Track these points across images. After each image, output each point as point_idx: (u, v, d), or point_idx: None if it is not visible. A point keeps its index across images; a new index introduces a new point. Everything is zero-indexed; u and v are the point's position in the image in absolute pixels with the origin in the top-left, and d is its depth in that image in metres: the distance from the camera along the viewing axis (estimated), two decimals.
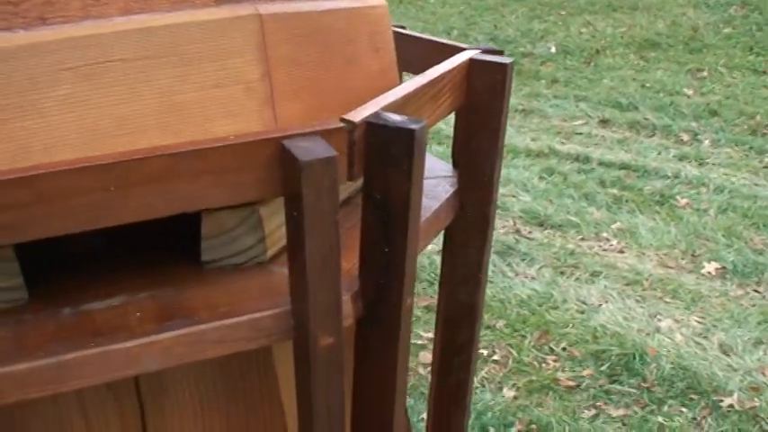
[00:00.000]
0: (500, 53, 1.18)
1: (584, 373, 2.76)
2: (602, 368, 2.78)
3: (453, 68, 1.09)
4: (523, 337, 2.95)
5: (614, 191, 4.22)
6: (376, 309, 0.95)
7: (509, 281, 3.32)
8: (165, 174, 0.81)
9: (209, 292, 0.93)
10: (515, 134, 5.21)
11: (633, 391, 2.66)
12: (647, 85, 6.08)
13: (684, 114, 5.40)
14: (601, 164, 4.59)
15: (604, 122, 5.39)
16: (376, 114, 0.89)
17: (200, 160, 0.82)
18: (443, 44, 1.35)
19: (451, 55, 1.16)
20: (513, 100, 5.88)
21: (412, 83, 1.02)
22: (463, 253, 1.23)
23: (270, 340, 0.90)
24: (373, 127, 0.88)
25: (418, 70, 1.26)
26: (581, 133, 5.19)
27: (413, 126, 0.86)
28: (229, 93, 0.95)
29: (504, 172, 4.23)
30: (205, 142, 0.84)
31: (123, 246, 1.05)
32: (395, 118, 0.88)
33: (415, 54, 1.39)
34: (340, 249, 0.86)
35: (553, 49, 7.07)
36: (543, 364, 2.80)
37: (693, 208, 3.99)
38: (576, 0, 8.42)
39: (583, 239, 3.71)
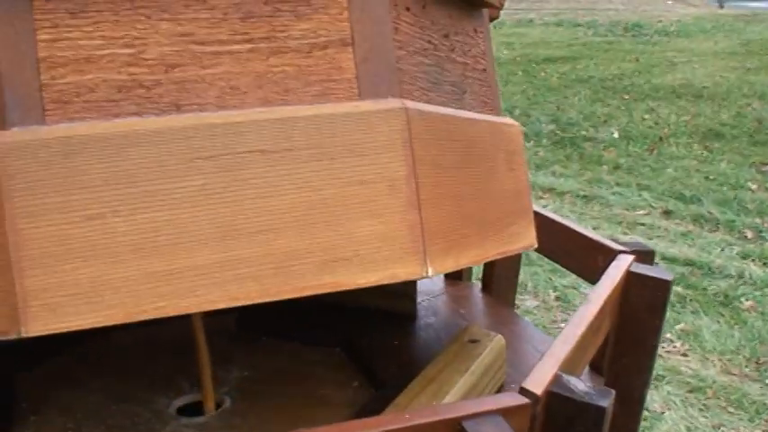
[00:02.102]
0: (651, 255, 1.11)
1: None
2: None
3: (614, 289, 1.02)
4: None
5: (678, 288, 4.10)
6: None
7: None
8: None
9: None
10: (577, 221, 5.11)
11: None
12: (711, 177, 5.97)
13: (748, 210, 5.28)
14: (664, 258, 4.48)
15: (667, 214, 5.27)
16: (559, 381, 0.81)
17: None
18: (580, 234, 1.29)
19: (588, 248, 1.09)
20: (575, 185, 5.79)
21: (580, 321, 0.94)
22: None
23: None
24: (557, 399, 0.80)
25: (552, 254, 1.28)
26: (644, 224, 5.08)
27: (602, 402, 0.78)
28: (373, 191, 0.88)
29: None
30: (380, 423, 0.77)
31: None
32: (580, 388, 0.80)
33: (546, 233, 1.32)
34: None
35: (616, 135, 7.00)
36: None
37: (758, 311, 3.87)
38: (640, 85, 8.38)
39: None
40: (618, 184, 5.88)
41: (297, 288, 0.86)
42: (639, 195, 5.62)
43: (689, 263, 4.43)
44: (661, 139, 6.95)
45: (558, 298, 4.06)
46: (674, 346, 3.55)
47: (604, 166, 6.33)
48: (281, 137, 0.86)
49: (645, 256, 1.13)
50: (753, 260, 4.47)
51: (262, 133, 0.85)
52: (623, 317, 1.07)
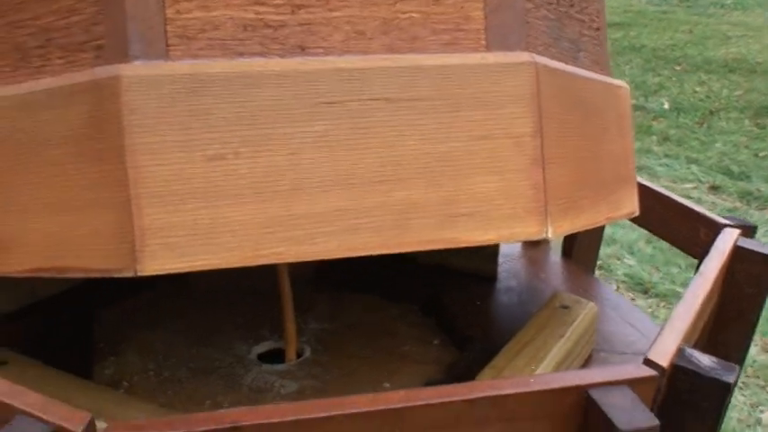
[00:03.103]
0: (754, 230, 1.10)
1: None
2: None
3: (723, 263, 1.00)
4: None
5: None
6: None
7: None
8: (456, 421, 0.71)
9: None
10: None
11: None
12: (761, 154, 5.88)
13: None
14: None
15: (714, 189, 5.21)
16: (683, 355, 0.79)
17: (495, 408, 0.72)
18: (681, 205, 1.26)
19: (690, 220, 1.06)
20: None
21: (695, 293, 0.92)
22: None
23: None
24: (684, 373, 0.78)
25: (650, 225, 1.26)
26: (691, 198, 5.01)
27: (727, 378, 0.76)
28: (497, 146, 0.85)
29: (609, 231, 4.09)
30: (502, 386, 0.73)
31: None
32: (705, 362, 0.78)
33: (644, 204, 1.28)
34: None
35: (666, 105, 6.90)
36: None
37: None
38: (693, 57, 8.24)
39: None
40: (666, 156, 5.81)
41: (416, 242, 0.84)
42: (688, 168, 5.55)
43: None
44: (712, 112, 6.84)
45: (599, 267, 4.03)
46: None
47: (653, 137, 6.25)
48: (407, 86, 0.83)
49: (748, 230, 1.09)
50: None
51: (387, 81, 0.83)
52: (727, 291, 1.05)
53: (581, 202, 0.93)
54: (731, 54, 8.38)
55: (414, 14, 0.87)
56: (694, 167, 5.56)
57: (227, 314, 1.38)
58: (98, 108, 0.78)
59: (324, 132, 0.81)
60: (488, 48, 0.88)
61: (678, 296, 3.63)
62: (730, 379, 0.76)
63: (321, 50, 0.83)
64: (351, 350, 1.25)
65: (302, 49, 0.83)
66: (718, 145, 6.07)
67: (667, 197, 1.30)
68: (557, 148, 0.89)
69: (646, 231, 4.61)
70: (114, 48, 0.79)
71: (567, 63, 0.98)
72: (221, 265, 0.80)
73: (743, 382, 3.03)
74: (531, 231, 0.87)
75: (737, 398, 2.93)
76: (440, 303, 1.38)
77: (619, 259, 4.01)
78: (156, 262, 0.79)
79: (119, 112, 0.77)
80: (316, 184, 0.81)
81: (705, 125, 6.57)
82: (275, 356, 1.26)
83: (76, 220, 0.80)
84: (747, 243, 1.06)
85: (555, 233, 0.88)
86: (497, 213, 0.85)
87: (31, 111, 0.81)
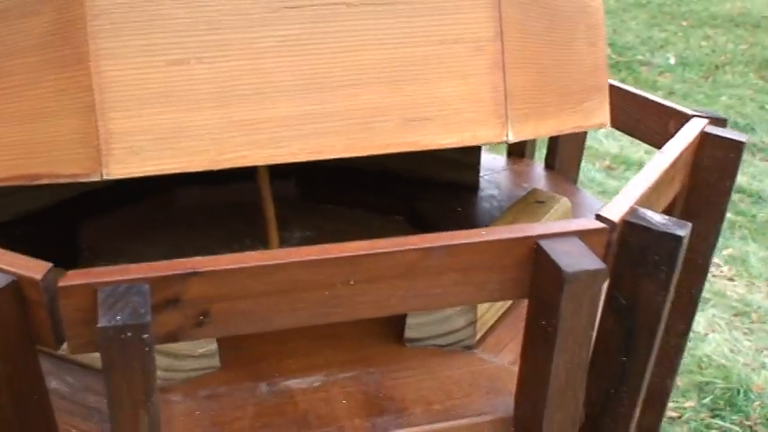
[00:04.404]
0: (724, 122, 1.10)
1: (687, 404, 2.62)
2: (705, 401, 2.64)
3: (688, 146, 1.00)
4: None
5: (728, 215, 4.05)
6: (599, 419, 0.85)
7: None
8: (410, 270, 0.73)
9: (417, 379, 0.86)
10: (629, 145, 5.04)
11: (735, 428, 2.52)
12: (766, 106, 5.85)
13: None
14: None
15: None
16: (635, 212, 0.79)
17: (450, 257, 0.74)
18: (653, 102, 1.26)
19: (661, 114, 1.07)
20: None
21: (655, 167, 0.93)
22: (663, 337, 1.12)
23: None
24: (634, 228, 0.78)
25: (624, 126, 1.23)
26: None
27: (678, 231, 0.77)
28: (458, 50, 0.86)
29: (615, 184, 4.10)
30: (456, 236, 0.75)
31: None
32: (656, 219, 0.79)
33: (619, 106, 1.30)
34: (587, 366, 0.76)
35: (672, 60, 6.87)
36: None
37: None
38: (698, 12, 8.20)
39: None
40: None
41: (379, 145, 0.85)
42: None
43: (739, 190, 4.36)
44: (717, 66, 6.81)
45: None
46: (721, 271, 3.49)
47: (659, 92, 6.23)
48: None
49: (718, 121, 1.10)
50: None
51: None
52: (695, 177, 1.06)
53: (545, 109, 0.94)
54: (736, 9, 8.32)
55: None
56: None
57: (210, 227, 1.40)
58: (64, 14, 0.79)
59: (285, 37, 0.82)
60: None
61: None
62: (681, 233, 0.77)
63: None
64: None
65: None
66: (723, 98, 6.05)
67: (638, 95, 1.31)
68: (518, 53, 0.90)
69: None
70: None
71: None
72: (187, 169, 0.81)
73: (748, 328, 3.04)
74: (492, 134, 0.87)
75: (743, 343, 2.94)
76: (421, 211, 1.40)
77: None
78: (122, 166, 0.80)
79: (83, 17, 0.78)
80: (278, 88, 0.82)
81: (711, 79, 6.54)
82: None
83: (43, 128, 0.81)
84: (714, 130, 1.06)
85: (516, 136, 0.89)
86: (458, 117, 0.86)
87: (5, 21, 0.82)
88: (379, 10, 0.84)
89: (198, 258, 0.71)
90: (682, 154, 0.98)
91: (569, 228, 0.76)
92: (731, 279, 3.44)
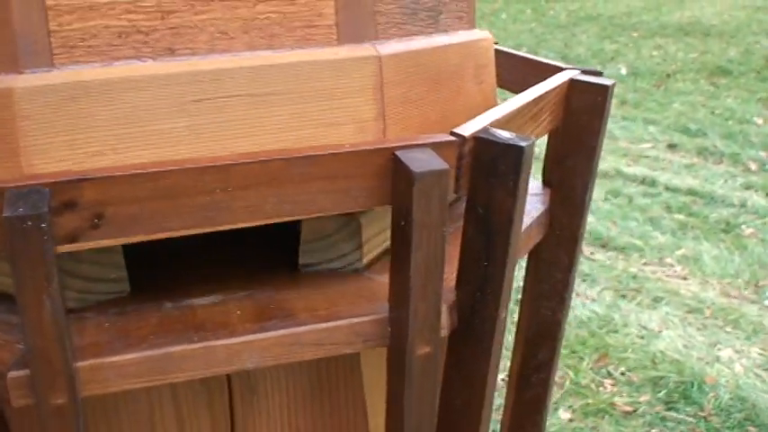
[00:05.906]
0: (599, 74, 1.18)
1: (642, 398, 2.69)
2: (660, 394, 2.70)
3: (554, 88, 1.09)
4: (581, 359, 2.88)
5: (680, 216, 4.15)
6: (470, 321, 0.95)
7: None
8: (280, 176, 0.83)
9: (306, 294, 0.95)
10: None
11: (690, 419, 2.58)
12: (717, 111, 5.99)
13: (753, 143, 5.29)
14: (667, 188, 4.52)
15: (672, 147, 5.31)
16: (485, 130, 0.89)
17: (313, 166, 0.84)
18: (542, 63, 1.35)
19: (550, 75, 1.17)
20: None
21: (515, 101, 1.02)
22: (549, 271, 1.22)
23: (366, 346, 0.90)
24: (482, 142, 0.88)
25: (516, 89, 1.30)
26: (648, 156, 5.12)
27: (522, 143, 0.87)
28: (342, 131, 0.96)
29: None
30: (319, 149, 0.86)
31: (219, 248, 1.08)
32: (504, 134, 0.89)
33: (512, 72, 1.40)
34: (444, 261, 0.86)
35: (624, 71, 7.01)
36: (600, 388, 2.73)
37: (759, 238, 3.88)
38: (649, 23, 8.37)
39: (646, 264, 3.63)
40: (624, 119, 5.91)
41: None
42: (645, 129, 5.65)
43: (692, 192, 4.44)
44: (668, 75, 6.95)
45: None
46: (674, 270, 3.58)
47: (612, 101, 6.35)
48: (264, 81, 0.93)
49: (592, 73, 1.18)
50: (755, 191, 4.49)
51: (246, 78, 0.92)
52: (566, 121, 1.13)
53: None
54: (686, 18, 8.50)
55: (271, 14, 0.96)
56: (652, 128, 5.68)
57: None
58: None
59: (191, 127, 0.91)
60: (340, 41, 0.98)
61: (636, 248, 3.75)
62: (523, 144, 0.86)
63: (188, 51, 0.93)
64: None
65: (171, 51, 0.92)
66: (675, 105, 6.17)
67: (528, 58, 1.40)
68: (400, 123, 1.01)
69: (604, 189, 4.61)
70: (5, 61, 0.88)
71: (425, 33, 1.09)
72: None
73: (701, 324, 3.10)
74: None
75: (697, 338, 3.00)
76: None
77: None
78: None
79: (13, 118, 0.87)
80: None
81: (662, 87, 6.68)
82: None
83: None
84: (583, 77, 1.14)
85: None
86: None
87: None
88: (273, 99, 0.93)
89: (83, 170, 0.81)
90: (547, 93, 1.07)
91: (423, 140, 0.87)
92: (684, 278, 3.52)
